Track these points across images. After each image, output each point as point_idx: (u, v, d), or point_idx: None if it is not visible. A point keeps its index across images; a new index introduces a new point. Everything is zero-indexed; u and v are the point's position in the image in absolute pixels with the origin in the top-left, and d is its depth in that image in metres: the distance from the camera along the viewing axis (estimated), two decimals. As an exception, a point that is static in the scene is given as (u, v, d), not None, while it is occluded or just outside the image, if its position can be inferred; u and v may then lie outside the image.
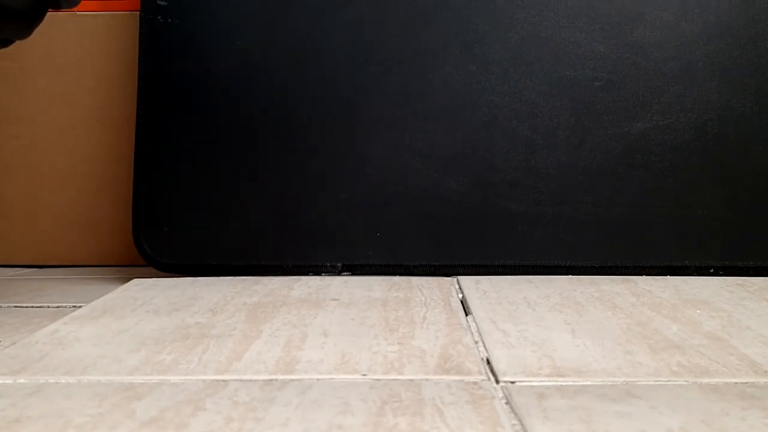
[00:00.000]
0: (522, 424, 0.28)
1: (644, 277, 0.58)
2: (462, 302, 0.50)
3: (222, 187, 0.62)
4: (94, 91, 0.70)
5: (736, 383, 0.33)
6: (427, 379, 0.33)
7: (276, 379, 0.33)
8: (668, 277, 0.59)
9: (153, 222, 0.64)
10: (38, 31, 0.58)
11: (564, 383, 0.33)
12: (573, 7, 0.62)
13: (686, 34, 0.61)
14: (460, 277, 0.58)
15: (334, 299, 0.50)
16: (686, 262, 0.60)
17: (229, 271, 0.60)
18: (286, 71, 0.63)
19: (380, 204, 0.60)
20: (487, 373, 0.35)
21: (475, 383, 0.33)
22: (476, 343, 0.40)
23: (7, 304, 0.54)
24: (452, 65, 0.62)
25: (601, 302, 0.49)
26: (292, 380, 0.33)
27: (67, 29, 0.70)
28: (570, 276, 0.59)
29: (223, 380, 0.33)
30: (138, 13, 0.66)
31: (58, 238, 0.72)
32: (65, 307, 0.52)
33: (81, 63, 0.71)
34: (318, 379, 0.33)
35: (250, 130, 0.62)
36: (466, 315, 0.46)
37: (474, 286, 0.55)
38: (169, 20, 0.64)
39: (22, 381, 0.34)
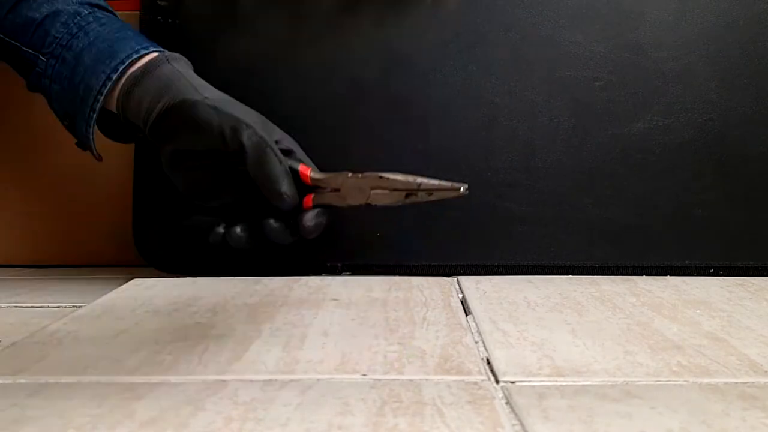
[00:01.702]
0: (522, 425, 0.28)
1: (644, 277, 0.58)
2: (462, 302, 0.50)
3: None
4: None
5: (736, 383, 0.33)
6: (427, 380, 0.33)
7: (276, 379, 0.33)
8: (668, 277, 0.59)
9: (153, 222, 0.64)
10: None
11: (564, 383, 0.33)
12: (573, 7, 0.62)
13: (686, 34, 0.61)
14: (460, 277, 0.58)
15: (334, 299, 0.50)
16: (686, 262, 0.60)
17: (229, 271, 0.60)
18: (286, 72, 0.63)
19: (380, 204, 0.60)
20: (487, 373, 0.35)
21: (475, 383, 0.33)
22: (476, 343, 0.40)
23: (7, 304, 0.54)
24: (452, 65, 0.62)
25: (601, 302, 0.49)
26: (292, 380, 0.33)
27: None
28: (570, 276, 0.59)
29: (223, 380, 0.33)
30: (138, 13, 0.66)
31: (58, 238, 0.72)
32: (65, 307, 0.52)
33: (81, 63, 0.70)
34: (318, 379, 0.33)
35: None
36: (466, 315, 0.46)
37: (474, 286, 0.55)
38: (170, 20, 0.64)
39: (22, 381, 0.34)
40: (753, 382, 0.33)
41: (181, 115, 0.51)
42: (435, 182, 0.49)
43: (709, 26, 0.61)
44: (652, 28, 0.61)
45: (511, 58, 0.62)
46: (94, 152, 0.57)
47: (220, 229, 0.54)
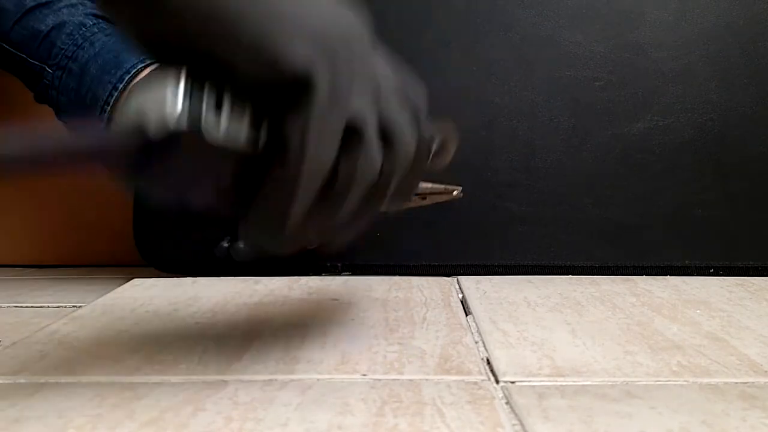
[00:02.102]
0: (522, 425, 0.28)
1: (644, 277, 0.58)
2: (462, 302, 0.50)
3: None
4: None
5: (736, 383, 0.33)
6: (427, 380, 0.33)
7: (276, 379, 0.33)
8: (668, 277, 0.58)
9: (153, 222, 0.64)
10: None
11: (564, 383, 0.33)
12: (573, 7, 0.62)
13: (686, 34, 0.61)
14: (460, 277, 0.58)
15: (334, 299, 0.50)
16: (686, 262, 0.60)
17: (229, 271, 0.60)
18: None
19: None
20: (487, 373, 0.34)
21: (475, 383, 0.33)
22: (476, 343, 0.40)
23: (7, 304, 0.53)
24: (452, 65, 0.62)
25: (601, 302, 0.49)
26: (292, 380, 0.33)
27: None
28: (570, 276, 0.59)
29: (223, 380, 0.33)
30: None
31: (58, 238, 0.72)
32: (65, 307, 0.52)
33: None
34: (318, 379, 0.33)
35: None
36: (466, 315, 0.46)
37: (474, 286, 0.55)
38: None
39: (21, 381, 0.34)
40: (753, 382, 0.33)
41: None
42: (428, 185, 0.47)
43: (709, 26, 0.61)
44: (652, 28, 0.61)
45: (511, 58, 0.62)
46: None
47: (225, 244, 0.54)
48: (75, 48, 0.56)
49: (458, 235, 0.61)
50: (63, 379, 0.34)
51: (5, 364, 0.36)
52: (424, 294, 0.52)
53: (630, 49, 0.61)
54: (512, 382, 0.33)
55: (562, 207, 0.61)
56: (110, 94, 0.54)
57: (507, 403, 0.31)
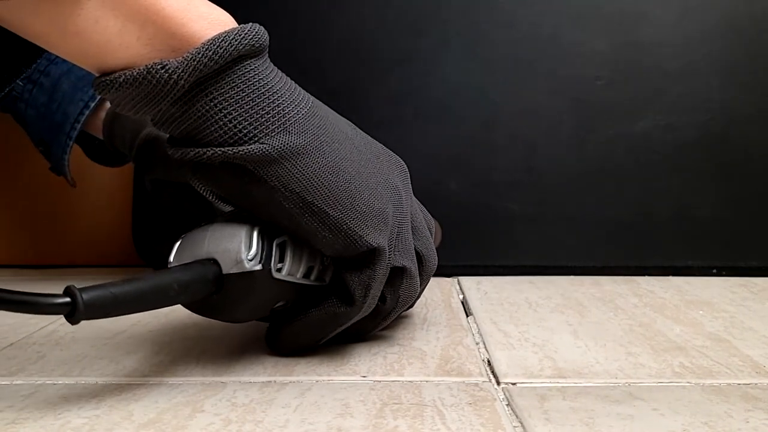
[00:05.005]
0: (523, 426, 0.28)
1: (646, 277, 0.58)
2: (463, 303, 0.50)
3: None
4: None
5: (739, 385, 0.33)
6: (427, 381, 0.33)
7: (275, 381, 0.33)
8: (671, 277, 0.58)
9: (152, 222, 0.64)
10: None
11: (565, 385, 0.33)
12: (575, 5, 0.62)
13: (688, 32, 0.61)
14: (460, 278, 0.58)
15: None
16: (689, 262, 0.60)
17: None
18: (284, 70, 0.63)
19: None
20: (488, 375, 0.34)
21: (476, 385, 0.33)
22: (477, 344, 0.40)
23: (6, 305, 0.53)
24: (453, 64, 0.62)
25: (603, 303, 0.49)
26: (291, 381, 0.33)
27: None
28: (571, 276, 0.59)
29: (222, 382, 0.33)
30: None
31: (58, 238, 0.72)
32: (64, 307, 0.52)
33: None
34: (317, 381, 0.33)
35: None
36: (467, 316, 0.46)
37: (475, 286, 0.54)
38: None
39: (19, 382, 0.33)
40: (756, 384, 0.33)
41: (158, 149, 0.51)
42: None
43: (712, 24, 0.61)
44: (654, 27, 0.61)
45: (512, 56, 0.62)
46: (69, 179, 0.57)
47: None
48: (47, 63, 0.55)
49: (458, 235, 0.61)
50: (61, 380, 0.34)
51: (3, 365, 0.36)
52: (425, 295, 0.52)
53: (632, 48, 0.61)
54: (513, 384, 0.33)
55: (563, 207, 0.61)
56: (81, 113, 0.53)
57: (508, 404, 0.30)
